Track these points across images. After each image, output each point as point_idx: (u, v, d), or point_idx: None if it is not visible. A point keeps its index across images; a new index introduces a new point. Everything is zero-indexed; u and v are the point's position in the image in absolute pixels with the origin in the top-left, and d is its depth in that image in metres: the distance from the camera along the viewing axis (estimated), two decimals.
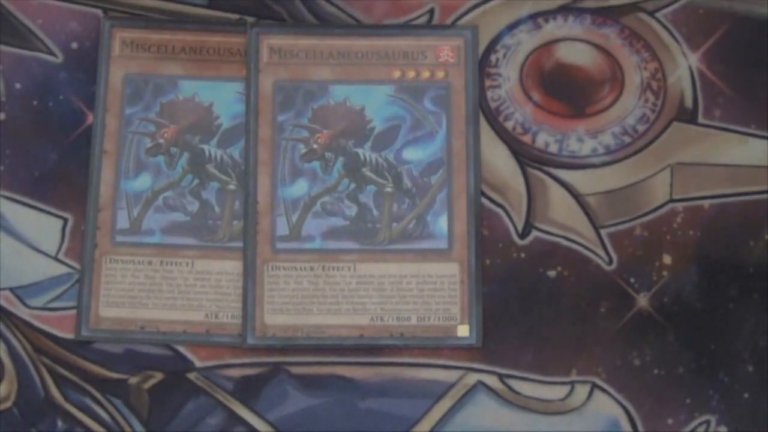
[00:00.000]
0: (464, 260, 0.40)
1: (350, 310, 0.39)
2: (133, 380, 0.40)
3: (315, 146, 0.40)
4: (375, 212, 0.40)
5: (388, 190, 0.40)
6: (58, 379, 0.40)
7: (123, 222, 0.40)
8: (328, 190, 0.40)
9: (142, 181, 0.40)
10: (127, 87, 0.40)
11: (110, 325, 0.40)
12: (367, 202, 0.40)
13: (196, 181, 0.40)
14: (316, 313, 0.39)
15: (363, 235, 0.40)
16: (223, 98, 0.41)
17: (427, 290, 0.40)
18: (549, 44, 0.43)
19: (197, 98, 0.41)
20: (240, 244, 0.40)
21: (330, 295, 0.40)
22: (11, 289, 0.40)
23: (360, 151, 0.40)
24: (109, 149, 0.40)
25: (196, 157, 0.40)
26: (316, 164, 0.40)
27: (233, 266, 0.40)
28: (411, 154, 0.41)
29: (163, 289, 0.40)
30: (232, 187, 0.40)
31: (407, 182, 0.40)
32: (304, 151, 0.40)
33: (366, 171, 0.40)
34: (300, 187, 0.40)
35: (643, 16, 0.43)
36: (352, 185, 0.40)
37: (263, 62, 0.40)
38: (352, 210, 0.40)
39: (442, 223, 0.40)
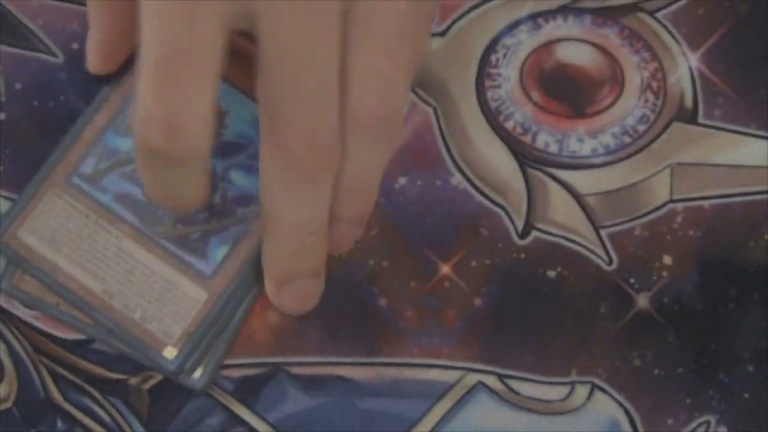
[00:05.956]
0: (216, 293, 0.39)
1: (91, 271, 0.38)
2: (133, 380, 0.40)
3: None
4: None
5: None
6: (58, 379, 0.40)
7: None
8: None
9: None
10: None
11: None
12: None
13: None
14: (62, 255, 0.39)
15: (148, 218, 0.39)
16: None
17: (166, 299, 0.39)
18: (549, 44, 0.43)
19: None
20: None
21: (84, 249, 0.39)
22: None
23: None
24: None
25: None
26: None
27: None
28: (237, 176, 0.40)
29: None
30: None
31: (222, 200, 0.39)
32: None
33: None
34: (126, 144, 0.39)
35: (643, 16, 0.43)
36: None
37: None
38: None
39: (221, 252, 0.39)
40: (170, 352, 0.39)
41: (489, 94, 0.43)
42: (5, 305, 0.40)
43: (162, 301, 0.39)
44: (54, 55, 0.42)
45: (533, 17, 0.43)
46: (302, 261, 0.37)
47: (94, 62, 0.39)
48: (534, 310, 0.41)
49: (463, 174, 0.42)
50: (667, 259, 0.41)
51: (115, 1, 0.37)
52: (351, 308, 0.40)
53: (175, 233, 0.39)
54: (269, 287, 0.38)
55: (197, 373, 0.39)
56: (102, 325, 0.39)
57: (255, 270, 0.39)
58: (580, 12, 0.44)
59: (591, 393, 0.40)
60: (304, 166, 0.33)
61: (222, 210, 0.39)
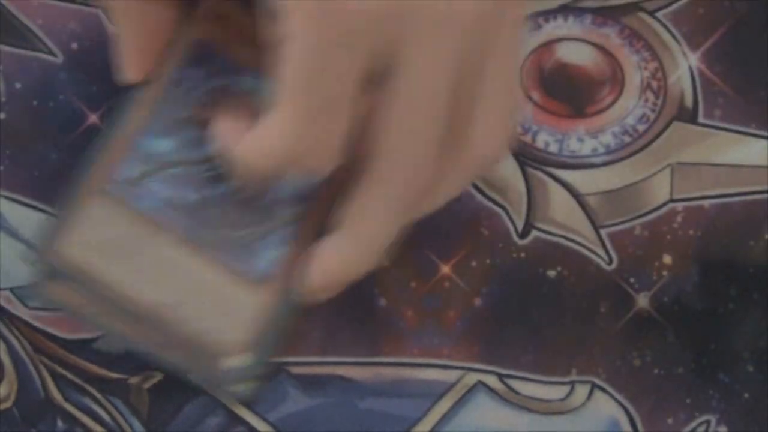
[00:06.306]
0: (271, 297, 0.37)
1: (142, 282, 0.37)
2: (133, 380, 0.40)
3: (201, 117, 0.39)
4: (219, 209, 0.38)
5: (243, 196, 0.38)
6: (58, 379, 0.40)
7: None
8: (189, 163, 0.38)
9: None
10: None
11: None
12: (218, 196, 0.38)
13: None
14: (109, 267, 0.37)
15: (196, 223, 0.37)
16: None
17: (221, 305, 0.37)
18: (549, 44, 0.43)
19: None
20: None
21: (132, 259, 0.37)
22: (11, 289, 0.40)
23: None
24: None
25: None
26: (191, 134, 0.38)
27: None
28: (288, 178, 0.38)
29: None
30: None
31: (265, 199, 0.38)
32: (187, 114, 0.38)
33: (233, 167, 0.38)
34: (165, 146, 0.38)
35: (643, 16, 0.43)
36: (214, 172, 0.38)
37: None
38: (201, 195, 0.38)
39: (272, 254, 0.38)
40: (230, 361, 0.37)
41: None
42: (5, 305, 0.40)
43: (216, 309, 0.37)
44: (54, 55, 0.42)
45: (533, 17, 0.43)
46: (356, 273, 0.37)
47: (133, 71, 0.38)
48: (534, 310, 0.41)
49: None
50: (667, 259, 0.41)
51: (145, 7, 0.37)
52: (351, 308, 0.40)
53: (223, 238, 0.38)
54: (315, 282, 0.37)
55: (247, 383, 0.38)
56: (156, 339, 0.38)
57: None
58: (580, 12, 0.44)
59: (591, 393, 0.40)
60: (399, 199, 0.34)
61: (271, 210, 0.38)
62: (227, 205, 0.38)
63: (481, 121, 0.34)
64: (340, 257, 0.37)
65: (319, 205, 0.38)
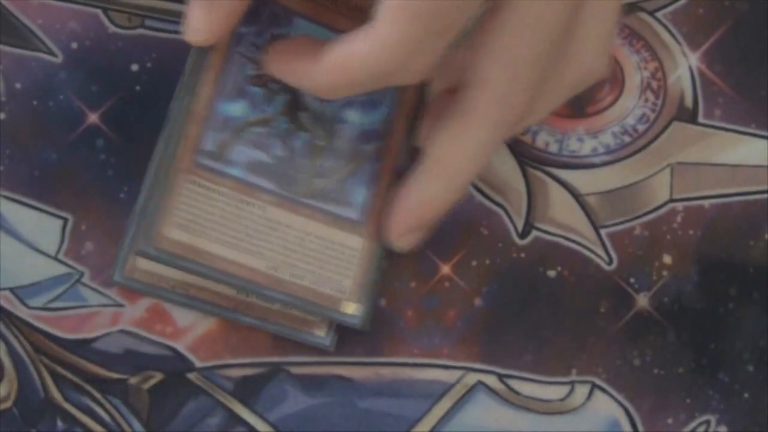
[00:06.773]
0: (371, 236, 0.38)
1: (248, 250, 0.37)
2: (133, 380, 0.40)
3: (265, 72, 0.39)
4: (302, 161, 0.38)
5: (321, 143, 0.38)
6: (58, 379, 0.40)
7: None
8: (263, 121, 0.38)
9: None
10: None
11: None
12: (297, 148, 0.38)
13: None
14: (214, 241, 0.37)
15: (283, 180, 0.38)
16: None
17: (326, 255, 0.38)
18: None
19: None
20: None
21: (233, 228, 0.37)
22: (11, 289, 0.40)
23: (306, 95, 0.38)
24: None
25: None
26: (259, 90, 0.38)
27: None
28: (352, 115, 0.39)
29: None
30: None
31: (340, 142, 0.38)
32: (253, 73, 0.38)
33: (304, 116, 0.39)
34: (238, 108, 0.38)
35: (643, 16, 0.43)
36: (288, 126, 0.38)
37: None
38: (281, 151, 0.39)
39: (361, 195, 0.38)
40: (350, 307, 0.38)
41: None
42: (5, 305, 0.40)
43: (324, 259, 0.38)
44: (54, 55, 0.42)
45: None
46: (440, 211, 0.37)
47: (215, 30, 0.36)
48: (534, 310, 0.41)
49: None
50: (667, 259, 0.41)
51: None
52: None
53: (312, 188, 0.38)
54: (399, 224, 0.37)
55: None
56: (260, 307, 0.38)
57: None
58: None
59: (591, 393, 0.40)
60: (495, 127, 0.34)
61: (349, 152, 0.39)
62: (308, 154, 0.38)
63: (583, 39, 0.34)
64: (420, 195, 0.36)
65: (394, 140, 0.39)
